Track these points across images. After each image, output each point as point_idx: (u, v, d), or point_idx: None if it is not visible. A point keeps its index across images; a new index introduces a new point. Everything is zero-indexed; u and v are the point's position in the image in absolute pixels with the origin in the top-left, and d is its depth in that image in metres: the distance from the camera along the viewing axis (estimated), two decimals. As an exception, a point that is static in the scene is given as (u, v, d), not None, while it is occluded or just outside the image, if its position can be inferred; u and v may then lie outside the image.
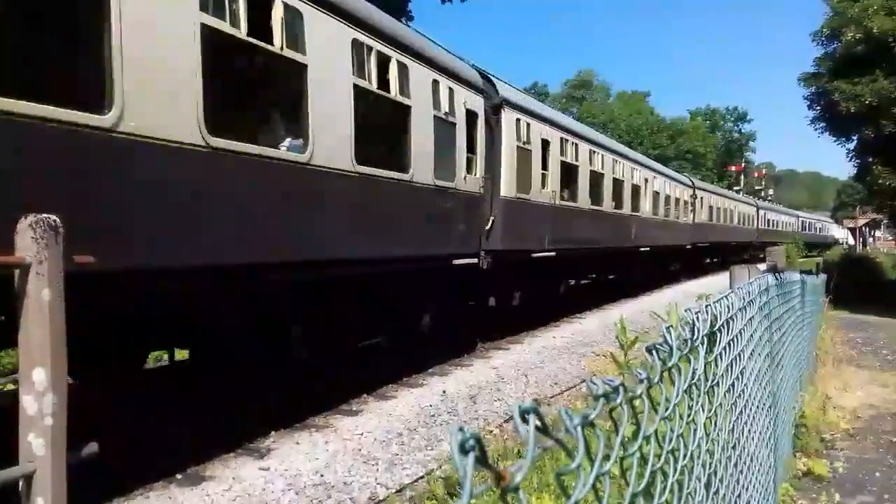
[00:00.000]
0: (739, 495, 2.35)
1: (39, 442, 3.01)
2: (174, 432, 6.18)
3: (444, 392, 8.38)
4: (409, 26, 11.50)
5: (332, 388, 8.02)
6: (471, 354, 10.81)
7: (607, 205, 16.99)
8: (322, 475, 5.55)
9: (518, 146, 11.68)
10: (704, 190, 31.72)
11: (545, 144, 12.98)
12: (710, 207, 31.69)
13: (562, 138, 13.99)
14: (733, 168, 76.46)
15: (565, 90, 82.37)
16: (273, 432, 6.64)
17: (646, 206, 20.96)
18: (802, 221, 65.70)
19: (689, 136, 73.63)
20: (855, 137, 21.24)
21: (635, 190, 19.81)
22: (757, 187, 76.36)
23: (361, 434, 6.66)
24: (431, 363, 9.77)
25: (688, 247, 27.42)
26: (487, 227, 10.65)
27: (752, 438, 2.77)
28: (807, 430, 5.97)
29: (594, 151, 16.21)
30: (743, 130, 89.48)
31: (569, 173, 14.59)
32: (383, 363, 9.14)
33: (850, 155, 22.76)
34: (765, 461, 3.23)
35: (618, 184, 18.06)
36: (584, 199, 15.25)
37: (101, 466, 4.30)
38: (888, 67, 17.94)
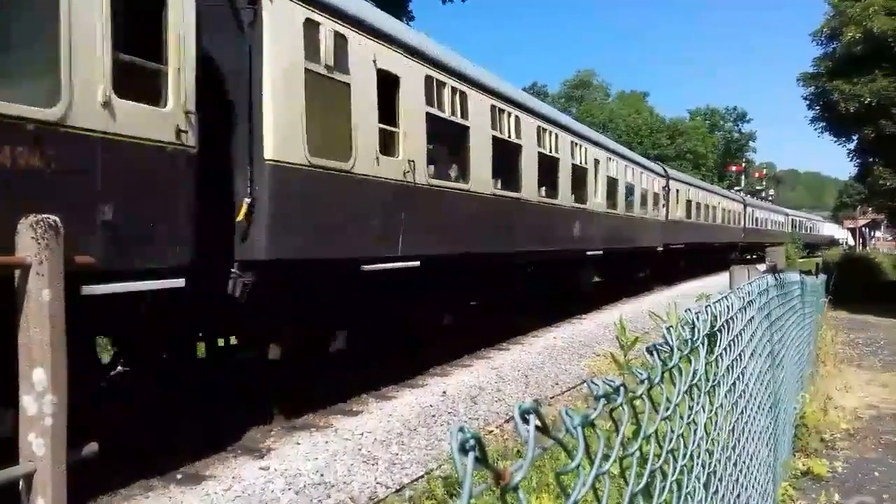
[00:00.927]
0: (739, 495, 2.36)
1: (39, 442, 3.02)
2: (174, 432, 6.18)
3: (444, 392, 8.38)
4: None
5: (332, 389, 8.02)
6: (471, 355, 10.80)
7: (529, 191, 11.84)
8: (322, 475, 5.55)
9: (313, 72, 6.56)
10: (680, 181, 26.49)
11: (388, 81, 7.84)
12: (689, 202, 26.79)
13: (429, 77, 8.69)
14: (734, 168, 76.49)
15: (564, 90, 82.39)
16: (273, 432, 6.64)
17: (596, 196, 15.91)
18: (793, 220, 60.76)
19: (689, 136, 73.63)
20: (855, 137, 21.22)
21: (579, 173, 14.74)
22: (757, 187, 76.41)
23: (361, 434, 6.66)
24: (431, 364, 9.76)
25: (659, 249, 22.28)
26: (240, 219, 5.88)
27: (752, 438, 2.77)
28: (806, 430, 5.97)
29: (501, 110, 10.83)
30: (743, 130, 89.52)
31: (448, 137, 9.70)
32: (383, 363, 9.14)
33: (850, 155, 22.76)
34: (764, 461, 3.23)
35: (549, 163, 12.95)
36: (480, 180, 10.07)
37: (102, 465, 4.30)
38: (888, 67, 17.93)
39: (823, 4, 20.30)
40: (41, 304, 3.18)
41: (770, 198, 71.46)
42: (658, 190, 22.51)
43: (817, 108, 21.12)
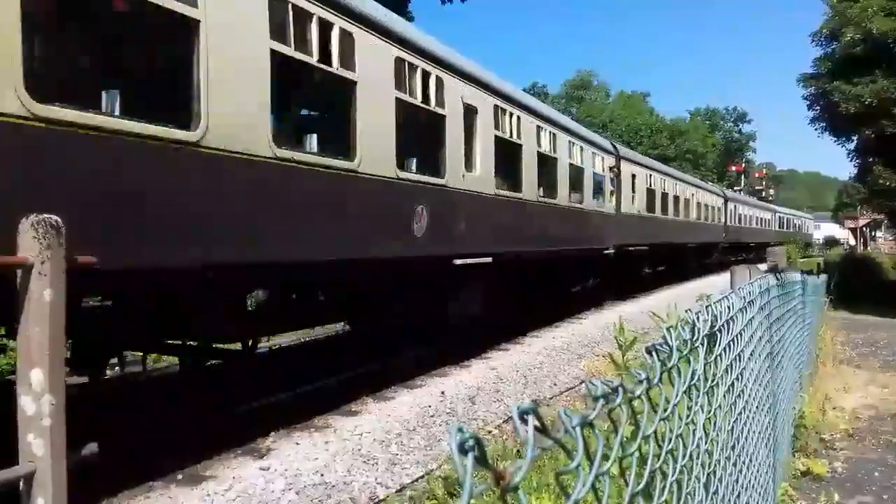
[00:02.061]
0: (738, 495, 2.36)
1: (39, 442, 3.02)
2: (175, 432, 6.19)
3: (442, 393, 8.38)
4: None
5: (332, 389, 8.03)
6: (470, 355, 10.80)
7: (261, 139, 5.80)
8: (322, 475, 5.55)
9: None
10: (636, 163, 20.53)
11: None
12: (651, 192, 21.15)
13: None
14: (734, 168, 76.56)
15: (565, 90, 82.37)
16: (273, 432, 6.64)
17: (475, 168, 9.81)
18: (780, 218, 54.78)
19: (689, 137, 73.66)
20: (855, 138, 21.25)
21: (430, 125, 8.98)
22: (757, 187, 76.47)
23: (361, 434, 6.66)
24: (430, 364, 9.76)
25: (608, 252, 16.58)
26: None
27: (752, 438, 2.77)
28: (806, 431, 5.97)
29: None
30: (743, 131, 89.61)
31: None
32: (382, 364, 9.14)
33: (850, 155, 22.80)
34: (764, 461, 3.23)
35: (341, 93, 7.24)
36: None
37: (102, 466, 4.30)
38: (888, 68, 17.95)
39: (823, 5, 20.33)
40: (42, 304, 3.18)
41: (770, 198, 71.46)
42: (604, 172, 16.75)
43: (817, 108, 21.16)
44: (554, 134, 13.32)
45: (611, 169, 17.35)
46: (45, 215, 3.22)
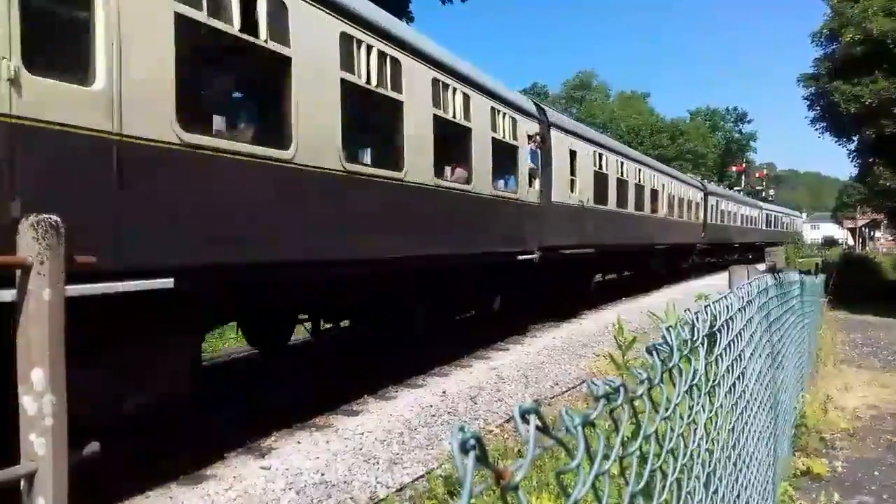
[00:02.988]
0: (738, 494, 2.36)
1: (40, 441, 3.02)
2: (175, 432, 6.18)
3: (444, 392, 8.39)
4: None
5: (333, 388, 8.03)
6: (470, 355, 10.81)
7: None
8: (323, 474, 5.55)
9: None
10: (577, 135, 14.86)
11: None
12: (599, 176, 15.86)
13: None
14: (734, 168, 76.57)
15: (565, 91, 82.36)
16: (274, 432, 6.65)
17: (150, 89, 4.55)
18: (767, 215, 48.41)
19: (690, 137, 73.66)
20: (855, 138, 21.24)
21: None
22: (758, 187, 76.46)
23: (362, 434, 6.66)
24: (431, 364, 9.76)
25: (525, 258, 11.47)
26: None
27: (752, 438, 2.77)
28: (806, 430, 5.97)
29: None
30: (743, 131, 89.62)
31: None
32: (383, 364, 9.14)
33: (850, 155, 22.80)
34: (764, 460, 3.24)
35: None
36: None
37: (103, 465, 4.31)
38: (888, 68, 17.93)
39: (823, 5, 20.32)
40: (41, 304, 3.18)
41: (770, 198, 71.39)
42: (518, 142, 11.48)
43: (818, 108, 21.15)
44: (410, 67, 7.96)
45: (531, 138, 11.92)
46: (45, 215, 3.22)
